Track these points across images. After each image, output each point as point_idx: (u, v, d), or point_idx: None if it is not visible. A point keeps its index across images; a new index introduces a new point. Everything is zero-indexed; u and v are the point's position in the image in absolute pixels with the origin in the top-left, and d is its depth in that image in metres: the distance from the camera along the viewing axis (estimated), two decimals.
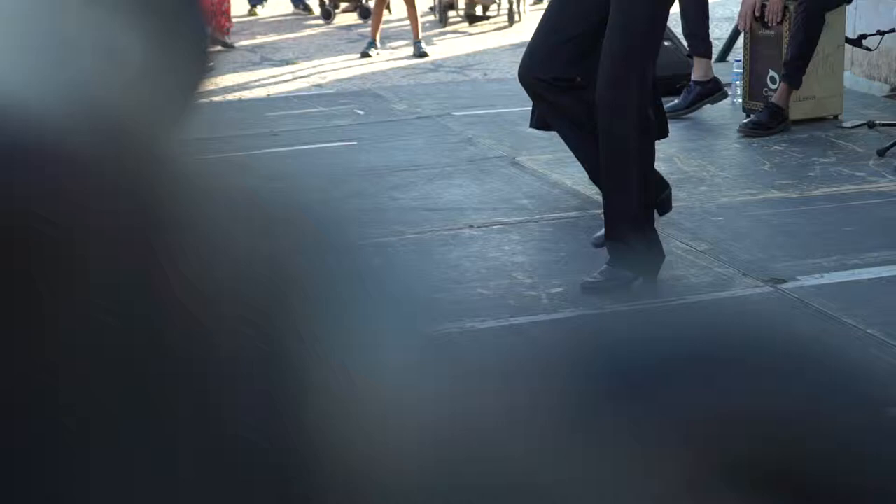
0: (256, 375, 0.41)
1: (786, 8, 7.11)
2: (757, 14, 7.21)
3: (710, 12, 7.64)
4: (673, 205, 5.48)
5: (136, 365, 0.40)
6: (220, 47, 10.07)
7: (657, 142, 6.14)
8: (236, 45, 10.75)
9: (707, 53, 7.51)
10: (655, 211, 4.91)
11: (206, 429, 0.40)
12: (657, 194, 4.92)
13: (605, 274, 4.63)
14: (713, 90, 7.48)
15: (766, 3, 7.17)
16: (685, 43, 7.57)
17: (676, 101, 7.44)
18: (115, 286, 0.40)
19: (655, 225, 4.77)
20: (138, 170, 0.41)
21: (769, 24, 7.15)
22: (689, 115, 7.40)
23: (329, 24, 12.02)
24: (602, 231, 4.79)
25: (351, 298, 0.44)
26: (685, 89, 7.49)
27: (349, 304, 0.43)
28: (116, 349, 0.39)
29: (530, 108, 6.00)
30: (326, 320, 0.43)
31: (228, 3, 10.49)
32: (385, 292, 0.45)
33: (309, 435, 0.41)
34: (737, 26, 8.14)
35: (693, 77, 7.48)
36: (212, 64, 0.51)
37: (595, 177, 4.82)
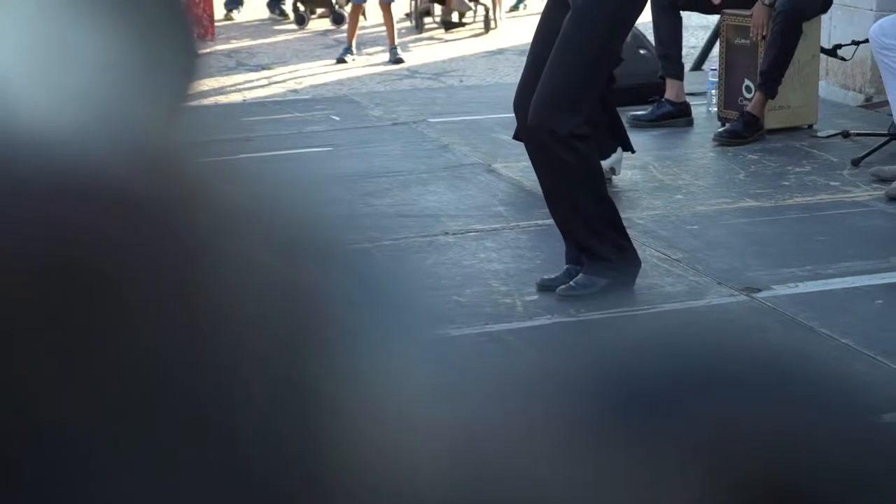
0: (259, 380, 0.41)
1: None
2: (734, 23, 7.23)
3: (686, 21, 7.66)
4: (648, 213, 5.49)
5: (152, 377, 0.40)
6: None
7: (633, 153, 6.17)
8: (212, 49, 10.73)
9: (679, 75, 7.54)
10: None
11: (207, 433, 0.40)
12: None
13: (580, 281, 4.64)
14: (681, 114, 7.50)
15: (742, 12, 7.19)
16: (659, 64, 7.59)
17: (645, 112, 7.46)
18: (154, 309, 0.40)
19: (631, 232, 4.78)
20: (172, 192, 0.42)
21: (754, 38, 7.15)
22: (662, 125, 7.41)
23: (303, 29, 12.01)
24: (552, 276, 4.77)
25: (356, 303, 0.44)
26: (656, 103, 7.51)
27: (354, 309, 0.43)
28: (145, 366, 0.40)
29: (507, 115, 6.00)
30: (332, 326, 0.43)
31: (206, 8, 10.45)
32: (385, 297, 0.45)
33: (312, 439, 0.41)
34: (714, 35, 8.17)
35: (666, 96, 7.50)
36: (200, 69, 0.51)
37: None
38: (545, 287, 4.70)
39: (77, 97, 0.42)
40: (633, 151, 6.16)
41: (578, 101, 4.51)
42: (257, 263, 0.41)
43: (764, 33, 7.10)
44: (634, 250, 4.73)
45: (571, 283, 4.64)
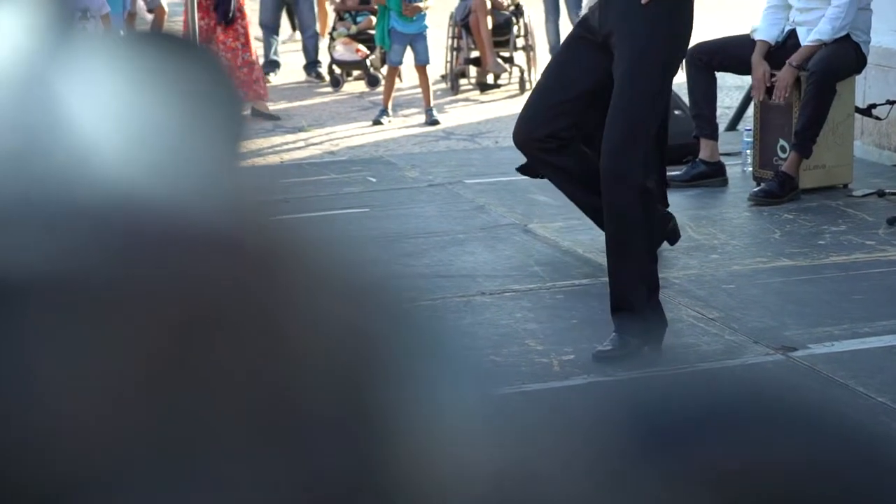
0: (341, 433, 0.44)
1: (797, 78, 7.13)
2: (768, 84, 7.23)
3: (720, 81, 7.68)
4: (684, 273, 5.49)
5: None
6: (262, 118, 10.24)
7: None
8: (249, 112, 10.81)
9: (713, 135, 7.54)
10: (667, 242, 5.00)
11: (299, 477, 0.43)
12: (664, 226, 5.06)
13: (614, 342, 4.65)
14: (716, 173, 7.50)
15: (776, 73, 7.20)
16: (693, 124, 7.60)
17: (679, 172, 7.46)
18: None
19: (661, 292, 4.79)
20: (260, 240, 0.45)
21: (777, 99, 7.16)
22: (697, 185, 7.41)
23: (339, 91, 12.08)
24: None
25: (426, 358, 0.47)
26: (690, 163, 7.51)
27: (424, 363, 0.47)
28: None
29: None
30: (402, 378, 0.46)
31: (258, 71, 10.49)
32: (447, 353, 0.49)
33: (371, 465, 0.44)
34: (748, 95, 8.19)
35: (700, 156, 7.50)
36: (247, 131, 0.54)
37: (600, 221, 4.90)
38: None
39: (169, 162, 0.45)
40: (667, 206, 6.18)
41: (645, 143, 4.59)
42: (329, 312, 0.44)
43: (786, 95, 7.10)
44: (663, 310, 4.74)
45: (606, 343, 4.65)
